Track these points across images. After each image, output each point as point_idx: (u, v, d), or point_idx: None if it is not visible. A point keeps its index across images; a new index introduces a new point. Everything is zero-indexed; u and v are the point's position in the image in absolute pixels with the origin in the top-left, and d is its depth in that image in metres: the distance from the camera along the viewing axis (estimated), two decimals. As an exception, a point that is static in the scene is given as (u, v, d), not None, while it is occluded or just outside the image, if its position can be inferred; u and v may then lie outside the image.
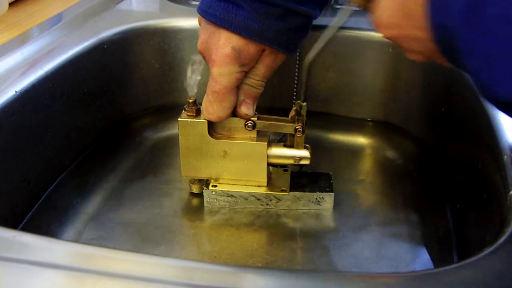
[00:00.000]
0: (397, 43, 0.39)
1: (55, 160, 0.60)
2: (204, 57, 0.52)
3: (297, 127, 0.53)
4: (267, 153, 0.55)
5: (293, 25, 0.50)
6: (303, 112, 0.53)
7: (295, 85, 0.69)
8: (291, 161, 0.55)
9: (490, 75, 0.31)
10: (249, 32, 0.48)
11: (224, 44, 0.49)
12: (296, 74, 0.69)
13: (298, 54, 0.68)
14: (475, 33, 0.31)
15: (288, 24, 0.50)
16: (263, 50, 0.51)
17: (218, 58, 0.49)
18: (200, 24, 0.53)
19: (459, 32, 0.32)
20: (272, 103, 0.68)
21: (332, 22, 0.48)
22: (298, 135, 0.54)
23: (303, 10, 0.50)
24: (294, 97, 0.70)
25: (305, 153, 0.55)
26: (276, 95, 0.71)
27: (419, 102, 0.68)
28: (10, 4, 0.74)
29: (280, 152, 0.55)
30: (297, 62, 0.69)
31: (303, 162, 0.55)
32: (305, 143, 0.55)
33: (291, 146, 0.55)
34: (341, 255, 0.52)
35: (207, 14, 0.49)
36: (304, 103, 0.53)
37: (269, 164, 0.56)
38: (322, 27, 0.68)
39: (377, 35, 0.67)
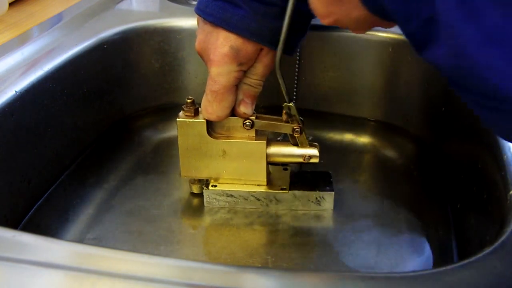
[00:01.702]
0: (340, 26, 0.41)
1: (55, 160, 0.60)
2: (202, 57, 0.52)
3: (294, 127, 0.53)
4: (270, 151, 0.55)
5: (290, 25, 0.50)
6: (293, 112, 0.53)
7: (295, 85, 0.70)
8: (300, 160, 0.55)
9: (424, 38, 0.32)
10: (246, 31, 0.48)
11: (222, 44, 0.49)
12: (296, 74, 0.69)
13: (298, 53, 0.68)
14: (403, 0, 0.32)
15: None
16: (261, 49, 0.51)
17: (216, 58, 0.49)
18: (198, 24, 0.53)
19: (389, 2, 0.33)
20: (271, 102, 0.68)
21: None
22: (296, 135, 0.54)
23: (301, 10, 0.50)
24: (294, 97, 0.70)
25: (314, 151, 0.55)
26: (275, 94, 0.71)
27: (419, 102, 0.68)
28: (10, 4, 0.74)
29: (289, 151, 0.55)
30: (297, 62, 0.69)
31: (312, 160, 0.55)
32: (305, 143, 0.55)
33: (296, 145, 0.55)
34: (341, 255, 0.52)
35: (205, 13, 0.49)
36: (291, 104, 0.52)
37: (270, 163, 0.56)
38: (324, 27, 0.69)
39: (377, 35, 0.67)
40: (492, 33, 0.28)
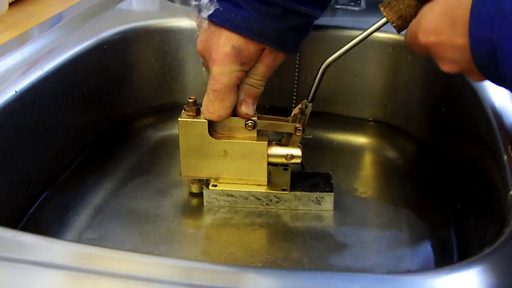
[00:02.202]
0: (434, 52, 0.39)
1: (55, 160, 0.60)
2: (203, 57, 0.52)
3: (297, 126, 0.54)
4: (267, 152, 0.55)
5: (292, 25, 0.50)
6: (307, 112, 0.53)
7: (295, 85, 0.69)
8: (282, 160, 0.55)
9: None
10: (249, 31, 0.49)
11: (224, 43, 0.49)
12: (296, 74, 0.69)
13: (298, 53, 0.68)
14: None
15: (287, 23, 0.50)
16: (263, 49, 0.51)
17: (218, 57, 0.49)
18: (200, 25, 0.53)
19: (505, 45, 0.32)
20: (272, 103, 0.68)
21: (363, 31, 0.49)
22: (298, 134, 0.54)
23: (303, 10, 0.50)
24: (294, 98, 0.70)
25: (297, 151, 0.55)
26: (276, 94, 0.71)
27: (419, 102, 0.68)
28: (10, 4, 0.74)
29: (272, 150, 0.55)
30: (297, 62, 0.69)
31: (294, 160, 0.55)
32: (305, 142, 0.55)
33: (285, 144, 0.55)
34: (341, 255, 0.52)
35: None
36: (310, 104, 0.53)
37: (270, 164, 0.56)
38: (324, 27, 0.69)
39: (377, 35, 0.67)
40: None
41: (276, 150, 0.55)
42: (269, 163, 0.56)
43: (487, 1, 0.34)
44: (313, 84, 0.52)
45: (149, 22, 0.71)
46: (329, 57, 0.51)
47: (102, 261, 0.35)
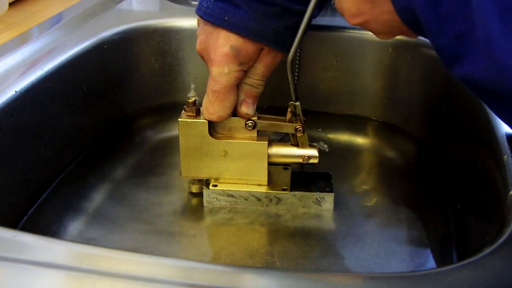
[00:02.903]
0: (366, 28, 0.41)
1: (55, 160, 0.60)
2: (202, 58, 0.52)
3: (297, 127, 0.54)
4: (270, 152, 0.55)
5: (290, 24, 0.50)
6: (298, 111, 0.53)
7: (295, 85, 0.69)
8: (299, 160, 0.55)
9: (456, 52, 0.32)
10: (247, 31, 0.49)
11: (223, 43, 0.49)
12: (296, 74, 0.69)
13: (298, 53, 0.68)
14: (437, 14, 0.32)
15: (285, 23, 0.50)
16: (262, 49, 0.51)
17: (217, 58, 0.49)
18: (198, 25, 0.53)
19: (423, 13, 0.33)
20: (272, 103, 0.68)
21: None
22: (299, 135, 0.54)
23: (301, 9, 0.50)
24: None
25: (314, 152, 0.55)
26: (276, 94, 0.71)
27: (419, 102, 0.68)
28: (10, 4, 0.74)
29: (288, 151, 0.55)
30: (297, 62, 0.69)
31: (312, 161, 0.55)
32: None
33: (296, 145, 0.55)
34: (341, 255, 0.52)
35: (205, 14, 0.50)
36: (297, 103, 0.53)
37: (270, 163, 0.56)
38: (324, 27, 0.69)
39: (377, 35, 0.67)
40: None
41: (293, 151, 0.55)
42: (277, 163, 0.56)
43: None
44: (289, 84, 0.52)
45: (149, 22, 0.71)
46: (290, 53, 0.50)
47: (102, 261, 0.35)
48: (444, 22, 0.32)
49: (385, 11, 0.38)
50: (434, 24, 0.33)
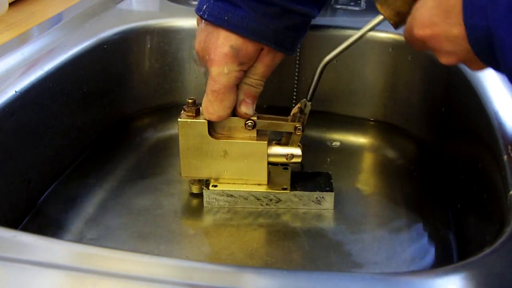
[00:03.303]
0: (430, 45, 0.39)
1: (55, 160, 0.60)
2: (201, 58, 0.52)
3: (297, 126, 0.54)
4: (267, 152, 0.55)
5: (290, 24, 0.50)
6: (306, 111, 0.53)
7: (295, 85, 0.69)
8: (283, 159, 0.55)
9: None
10: (246, 31, 0.49)
11: (223, 43, 0.49)
12: (296, 74, 0.69)
13: (298, 53, 0.68)
14: None
15: (285, 23, 0.50)
16: (261, 49, 0.51)
17: (216, 57, 0.49)
18: (198, 25, 0.53)
19: (500, 31, 0.32)
20: (272, 103, 0.68)
21: (360, 29, 0.49)
22: (298, 133, 0.54)
23: (300, 9, 0.50)
24: (294, 97, 0.70)
25: (297, 150, 0.55)
26: (276, 94, 0.71)
27: (419, 102, 0.68)
28: (10, 4, 0.74)
29: (272, 150, 0.55)
30: (297, 62, 0.69)
31: (294, 160, 0.55)
32: (305, 142, 0.55)
33: (285, 144, 0.55)
34: (341, 255, 0.52)
35: (205, 14, 0.50)
36: (309, 102, 0.53)
37: (270, 163, 0.56)
38: (324, 27, 0.69)
39: (377, 35, 0.67)
40: None
41: (276, 149, 0.55)
42: (269, 163, 0.56)
43: None
44: (311, 82, 0.52)
45: (149, 22, 0.71)
46: (327, 55, 0.51)
47: (102, 261, 0.35)
48: None
49: (458, 23, 0.36)
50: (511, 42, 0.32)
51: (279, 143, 0.55)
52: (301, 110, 0.53)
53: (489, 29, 0.34)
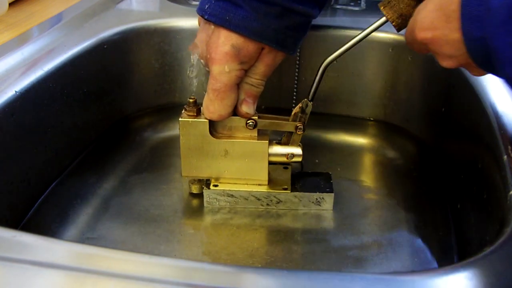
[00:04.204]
0: (431, 48, 0.40)
1: (55, 160, 0.60)
2: (203, 57, 0.52)
3: (298, 125, 0.54)
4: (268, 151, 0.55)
5: (291, 24, 0.50)
6: (308, 111, 0.53)
7: (295, 85, 0.69)
8: (283, 159, 0.55)
9: None
10: (248, 31, 0.49)
11: (224, 42, 0.49)
12: (296, 74, 0.69)
13: (298, 53, 0.68)
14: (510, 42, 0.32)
15: (286, 22, 0.50)
16: (262, 49, 0.51)
17: (217, 56, 0.49)
18: (199, 25, 0.53)
19: (495, 42, 0.33)
20: (272, 103, 0.68)
21: (364, 30, 0.49)
22: (299, 133, 0.54)
23: (301, 9, 0.50)
24: (294, 97, 0.70)
25: (298, 150, 0.55)
26: (276, 94, 0.71)
27: (419, 102, 0.68)
28: (10, 4, 0.74)
29: (273, 150, 0.55)
30: (297, 62, 0.69)
31: (295, 159, 0.55)
32: (305, 142, 0.55)
33: (285, 143, 0.55)
34: (341, 255, 0.52)
35: (206, 13, 0.50)
36: (311, 102, 0.53)
37: (271, 163, 0.56)
38: (324, 27, 0.69)
39: (377, 35, 0.67)
40: None
41: (277, 149, 0.55)
42: (270, 162, 0.56)
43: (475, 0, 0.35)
44: (313, 83, 0.53)
45: (149, 22, 0.71)
46: (329, 56, 0.51)
47: (102, 261, 0.35)
48: None
49: (458, 28, 0.36)
50: (506, 53, 0.32)
51: (280, 143, 0.56)
52: (302, 110, 0.53)
53: (485, 39, 0.34)
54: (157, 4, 0.77)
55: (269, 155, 0.55)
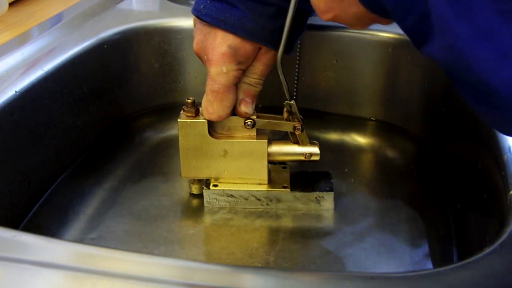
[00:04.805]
0: (338, 22, 0.42)
1: (55, 160, 0.60)
2: (200, 58, 0.52)
3: (295, 125, 0.54)
4: (271, 150, 0.55)
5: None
6: (294, 110, 0.53)
7: (295, 85, 0.69)
8: (301, 158, 0.55)
9: (424, 32, 0.33)
10: (244, 31, 0.49)
11: (220, 43, 0.49)
12: (296, 74, 0.69)
13: (298, 53, 0.68)
14: None
15: (282, 23, 0.50)
16: (260, 48, 0.51)
17: (215, 57, 0.49)
18: (195, 26, 0.53)
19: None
20: (272, 103, 0.68)
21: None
22: (298, 133, 0.54)
23: (297, 9, 0.50)
24: (295, 97, 0.69)
25: (315, 149, 0.55)
26: (276, 95, 0.71)
27: (419, 102, 0.68)
28: (10, 4, 0.74)
29: (289, 149, 0.55)
30: (297, 62, 0.69)
31: (313, 158, 0.55)
32: (305, 142, 0.55)
33: (296, 143, 0.55)
34: (341, 255, 0.52)
35: (202, 14, 0.50)
36: (292, 101, 0.53)
37: (270, 162, 0.56)
38: (324, 27, 0.69)
39: (377, 35, 0.67)
40: (483, 28, 0.28)
41: (294, 148, 0.55)
42: (275, 162, 0.56)
43: None
44: (281, 83, 0.52)
45: (149, 22, 0.71)
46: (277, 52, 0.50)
47: (102, 261, 0.35)
48: (405, 4, 0.32)
49: (352, 3, 0.39)
50: (396, 7, 0.33)
51: (297, 142, 0.55)
52: (290, 112, 0.53)
53: None
54: (157, 4, 0.77)
55: (286, 154, 0.55)
